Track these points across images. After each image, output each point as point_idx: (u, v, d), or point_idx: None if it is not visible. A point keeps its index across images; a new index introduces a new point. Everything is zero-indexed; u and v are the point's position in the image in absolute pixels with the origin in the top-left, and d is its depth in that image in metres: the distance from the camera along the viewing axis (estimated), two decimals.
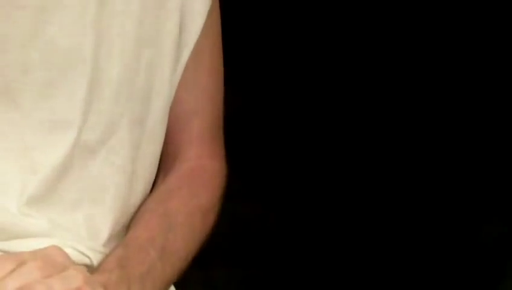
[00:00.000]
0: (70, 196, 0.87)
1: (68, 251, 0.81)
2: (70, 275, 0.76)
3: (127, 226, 0.92)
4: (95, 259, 0.85)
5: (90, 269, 0.83)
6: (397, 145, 2.17)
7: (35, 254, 0.77)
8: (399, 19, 2.21)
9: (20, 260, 0.75)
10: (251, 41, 2.19)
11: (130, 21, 0.89)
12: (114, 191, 0.90)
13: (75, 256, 0.83)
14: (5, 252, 0.82)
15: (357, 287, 1.99)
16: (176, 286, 0.95)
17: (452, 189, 2.10)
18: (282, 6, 2.23)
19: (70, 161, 0.86)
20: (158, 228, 0.89)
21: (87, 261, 0.85)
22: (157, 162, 0.97)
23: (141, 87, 0.91)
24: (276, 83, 2.21)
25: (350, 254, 2.02)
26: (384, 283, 1.97)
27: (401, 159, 2.16)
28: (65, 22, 0.85)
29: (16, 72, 0.84)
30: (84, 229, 0.87)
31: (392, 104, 2.21)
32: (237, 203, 2.02)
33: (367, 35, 2.22)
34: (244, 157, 2.01)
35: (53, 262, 0.77)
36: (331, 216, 2.08)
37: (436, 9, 2.20)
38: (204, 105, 0.98)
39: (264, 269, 2.00)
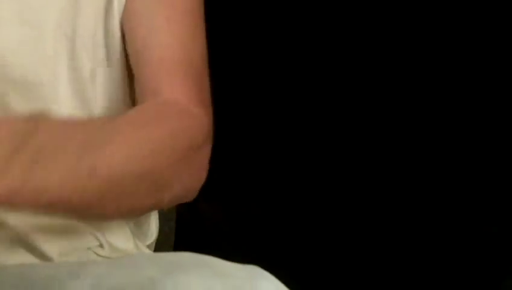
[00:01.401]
0: None
1: None
2: None
3: None
4: None
5: None
6: (396, 146, 2.16)
7: None
8: (397, 18, 2.21)
9: None
10: (239, 41, 2.19)
11: None
12: None
13: None
14: None
15: (357, 287, 1.99)
16: None
17: (452, 189, 2.10)
18: (279, 5, 2.23)
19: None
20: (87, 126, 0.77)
21: None
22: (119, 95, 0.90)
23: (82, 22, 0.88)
24: (272, 85, 2.21)
25: (350, 255, 2.02)
26: (384, 283, 1.97)
27: (400, 160, 2.16)
28: None
29: None
30: None
31: (389, 103, 2.21)
32: (236, 203, 2.02)
33: (364, 33, 2.22)
34: (243, 158, 2.01)
35: None
36: (331, 215, 2.08)
37: (436, 10, 2.20)
38: (171, 43, 0.87)
39: (264, 268, 1.99)
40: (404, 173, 2.14)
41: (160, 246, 1.03)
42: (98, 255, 0.92)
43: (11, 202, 0.66)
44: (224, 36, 2.00)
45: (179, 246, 1.86)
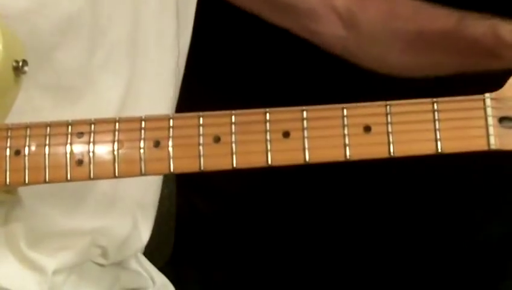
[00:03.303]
0: None
1: None
2: None
3: None
4: None
5: None
6: None
7: None
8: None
9: None
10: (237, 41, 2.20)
11: None
12: None
13: None
14: None
15: (356, 287, 1.99)
16: (175, 286, 0.94)
17: (452, 189, 2.10)
18: None
19: None
20: None
21: None
22: None
23: (142, 45, 0.91)
24: (274, 86, 2.21)
25: (350, 256, 2.02)
26: (383, 282, 1.97)
27: (399, 160, 2.16)
28: None
29: (24, 37, 0.85)
30: None
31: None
32: (236, 202, 2.02)
33: None
34: None
35: None
36: (331, 215, 2.08)
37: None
38: None
39: (264, 269, 2.00)
40: (403, 172, 2.14)
41: (160, 246, 1.03)
42: (98, 264, 0.91)
43: None
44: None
45: (179, 246, 1.86)
